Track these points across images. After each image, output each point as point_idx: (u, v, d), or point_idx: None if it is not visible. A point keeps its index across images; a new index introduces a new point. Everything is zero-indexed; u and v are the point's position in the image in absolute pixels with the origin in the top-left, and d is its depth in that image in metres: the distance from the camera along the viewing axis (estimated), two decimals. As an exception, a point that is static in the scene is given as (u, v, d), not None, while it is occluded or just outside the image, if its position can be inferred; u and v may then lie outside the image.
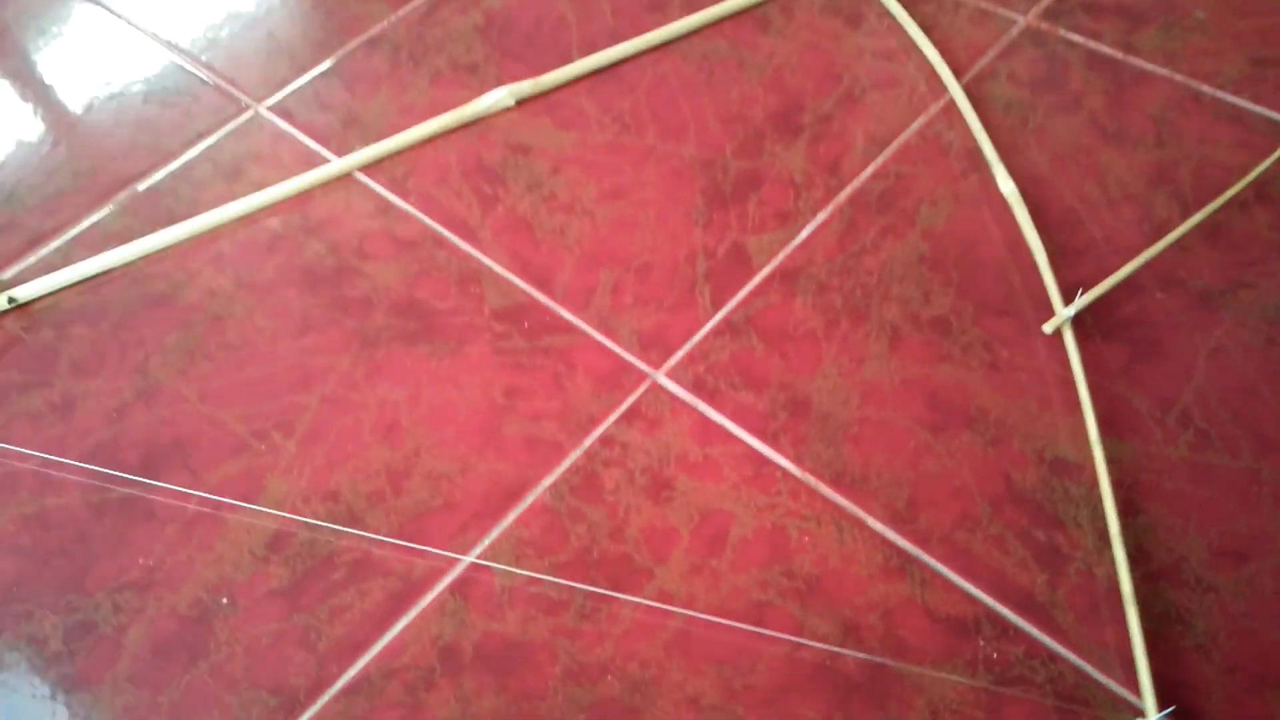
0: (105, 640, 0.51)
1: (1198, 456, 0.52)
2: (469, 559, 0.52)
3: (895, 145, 0.67)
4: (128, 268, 0.65)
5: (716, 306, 0.60)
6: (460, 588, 0.51)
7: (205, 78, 0.77)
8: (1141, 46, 0.71)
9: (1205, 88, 0.68)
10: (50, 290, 0.64)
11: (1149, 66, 0.70)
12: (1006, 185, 0.63)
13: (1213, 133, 0.65)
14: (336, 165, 0.69)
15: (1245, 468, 0.51)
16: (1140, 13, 0.74)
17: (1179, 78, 0.69)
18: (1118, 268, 0.58)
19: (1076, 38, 0.72)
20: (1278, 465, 0.51)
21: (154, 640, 0.50)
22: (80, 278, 0.64)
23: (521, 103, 0.70)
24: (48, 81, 0.78)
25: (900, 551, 0.50)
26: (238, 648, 0.50)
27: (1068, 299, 0.57)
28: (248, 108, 0.75)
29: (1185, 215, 0.61)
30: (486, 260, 0.64)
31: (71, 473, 0.56)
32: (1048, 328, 0.56)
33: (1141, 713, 0.44)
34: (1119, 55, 0.71)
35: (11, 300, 0.62)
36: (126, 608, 0.51)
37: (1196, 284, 0.58)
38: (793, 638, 0.48)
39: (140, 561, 0.53)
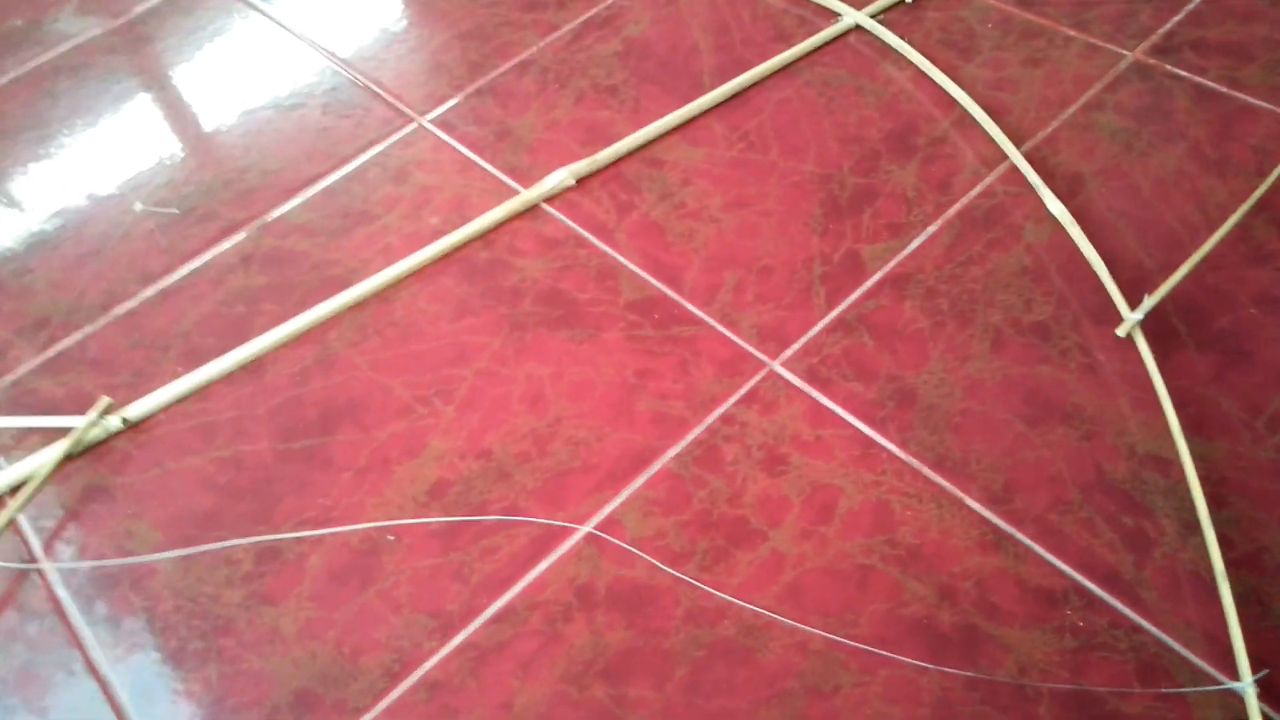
0: (290, 565, 0.59)
1: (1285, 458, 0.55)
2: (603, 514, 0.58)
3: (1003, 168, 0.72)
4: (312, 256, 0.75)
5: (831, 305, 0.66)
6: (595, 538, 0.58)
7: (377, 91, 0.87)
8: (1246, 82, 0.75)
9: (1309, 121, 0.72)
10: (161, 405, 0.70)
11: (1253, 100, 0.74)
12: (1055, 206, 0.67)
13: (1314, 163, 0.69)
14: (522, 197, 0.77)
15: (1331, 471, 0.55)
16: (1246, 50, 0.77)
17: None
18: (1212, 285, 0.62)
19: (1182, 72, 0.77)
20: (1363, 470, 0.54)
21: (331, 567, 0.58)
22: (191, 389, 0.68)
23: (581, 180, 0.76)
24: (239, 93, 0.89)
25: (995, 528, 0.55)
26: (402, 577, 0.58)
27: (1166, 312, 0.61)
28: (412, 120, 0.84)
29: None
30: (622, 259, 0.71)
31: (262, 423, 0.65)
32: (1120, 331, 0.61)
33: (1219, 683, 0.48)
34: (1223, 89, 0.75)
35: (125, 421, 0.66)
36: (308, 539, 0.60)
37: (1291, 302, 0.62)
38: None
39: (319, 501, 0.61)
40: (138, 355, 0.71)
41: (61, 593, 0.59)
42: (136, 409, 0.67)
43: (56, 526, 0.62)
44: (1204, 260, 0.64)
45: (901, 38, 0.82)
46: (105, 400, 0.67)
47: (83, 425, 0.65)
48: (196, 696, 0.54)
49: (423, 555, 0.58)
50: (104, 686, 0.55)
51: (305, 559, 0.59)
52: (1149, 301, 0.60)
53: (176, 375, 0.69)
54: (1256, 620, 0.50)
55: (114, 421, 0.66)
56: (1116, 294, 0.63)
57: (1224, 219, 0.66)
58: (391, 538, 0.59)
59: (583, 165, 0.76)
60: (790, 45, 0.84)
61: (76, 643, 0.57)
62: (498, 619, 0.55)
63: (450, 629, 0.55)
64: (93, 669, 0.56)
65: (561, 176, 0.75)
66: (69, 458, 0.65)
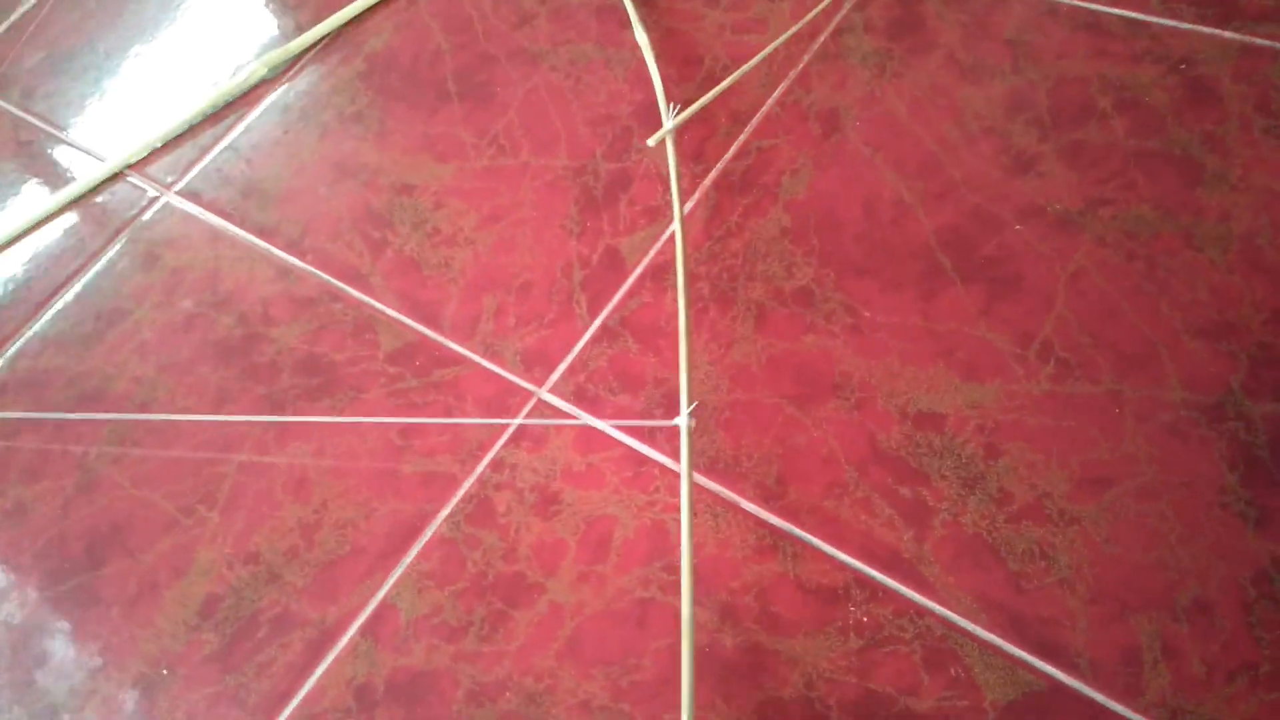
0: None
1: (1058, 388, 0.52)
2: (374, 602, 0.55)
3: (756, 120, 0.67)
4: (66, 371, 0.70)
5: (593, 314, 0.62)
6: (370, 628, 0.54)
7: (75, 146, 0.81)
8: (998, -32, 0.70)
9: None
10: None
11: (1008, -12, 0.69)
12: (641, 37, 0.63)
13: (1070, 47, 0.64)
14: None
15: (1106, 391, 0.51)
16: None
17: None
18: (973, 206, 0.58)
19: (932, -28, 0.71)
20: (1138, 383, 0.51)
21: (99, 714, 0.55)
22: None
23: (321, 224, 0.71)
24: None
25: (772, 529, 0.52)
26: (179, 714, 0.54)
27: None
28: (160, 196, 0.79)
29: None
30: (379, 305, 0.67)
31: (29, 573, 0.61)
32: (650, 141, 0.59)
33: (1007, 654, 0.45)
34: (976, -18, 0.70)
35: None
36: (81, 691, 0.56)
37: (1055, 208, 0.58)
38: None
39: (90, 647, 0.57)
40: (-102, 521, 0.66)
41: None
42: (-108, 586, 0.62)
43: None
44: (965, 182, 0.60)
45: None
46: None
47: None
48: None
49: (199, 684, 0.55)
50: None
51: (80, 716, 0.55)
52: (681, 116, 0.58)
53: (-65, 537, 0.64)
54: (1042, 577, 0.47)
55: None
56: (879, 238, 0.59)
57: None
58: (165, 671, 0.55)
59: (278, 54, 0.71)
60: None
61: None
62: (281, 739, 0.52)
63: (233, 761, 0.52)
64: None
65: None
66: None
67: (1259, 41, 0.61)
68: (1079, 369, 0.52)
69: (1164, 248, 0.55)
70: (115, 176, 0.80)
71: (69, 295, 0.74)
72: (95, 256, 0.76)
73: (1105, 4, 0.65)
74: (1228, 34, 0.62)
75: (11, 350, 0.72)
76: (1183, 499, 0.48)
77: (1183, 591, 0.45)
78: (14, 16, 0.96)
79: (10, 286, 0.76)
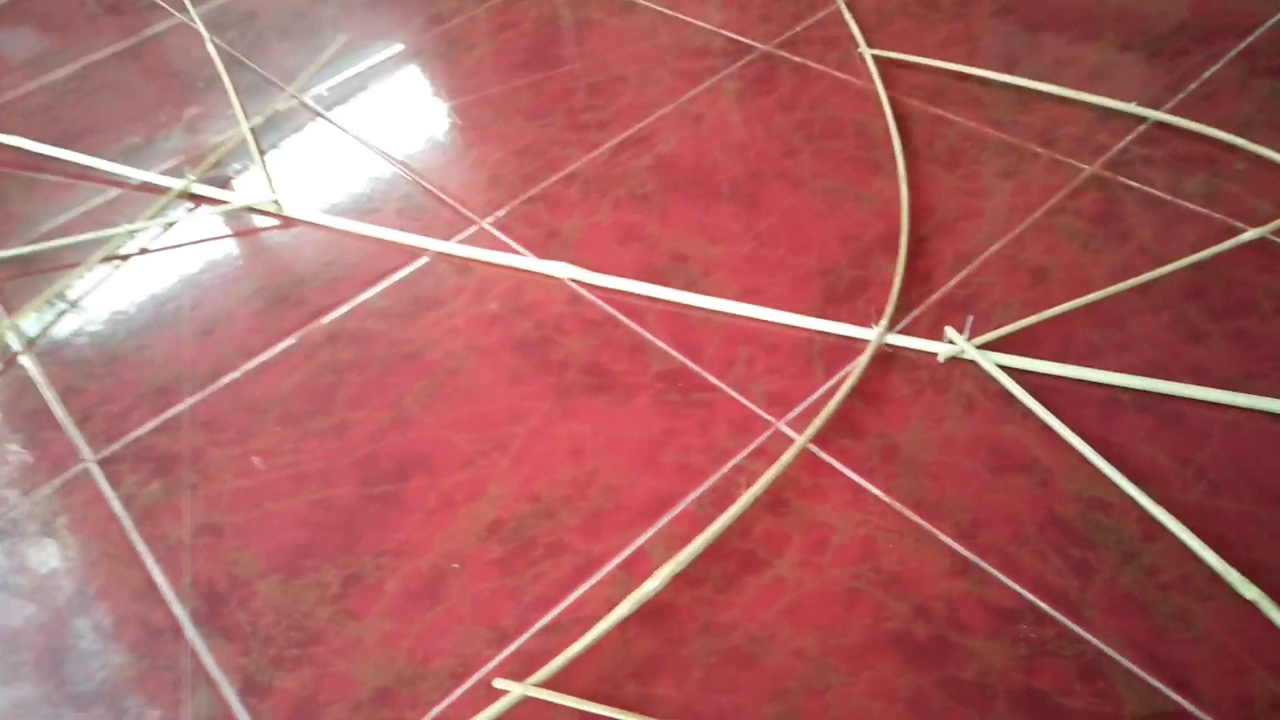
0: (370, 588, 0.70)
1: (1206, 502, 0.66)
2: (634, 546, 0.69)
3: (978, 261, 0.85)
4: (390, 336, 0.88)
5: (828, 376, 0.78)
6: (628, 565, 0.69)
7: (443, 198, 1.02)
8: (1187, 191, 0.87)
9: (1241, 225, 0.84)
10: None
11: (1192, 206, 0.86)
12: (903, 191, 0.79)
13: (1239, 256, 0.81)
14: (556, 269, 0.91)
15: (1245, 511, 0.65)
16: (1190, 161, 0.90)
17: (1218, 215, 0.85)
18: (1151, 359, 0.73)
19: (1133, 183, 0.89)
20: None
21: (405, 589, 0.70)
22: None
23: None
24: (323, 198, 1.05)
25: (963, 559, 0.65)
26: (465, 597, 0.69)
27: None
28: (474, 223, 0.99)
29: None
30: (651, 337, 0.84)
31: (347, 473, 0.78)
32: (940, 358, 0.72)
33: (1149, 683, 0.57)
34: (1168, 198, 0.87)
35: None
36: (386, 567, 0.71)
37: (1216, 375, 0.73)
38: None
39: (395, 536, 0.73)
40: (241, 417, 0.84)
41: (178, 610, 0.71)
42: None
43: (178, 559, 0.74)
44: (1148, 342, 0.76)
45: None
46: (218, 451, 0.79)
47: (200, 471, 0.77)
48: (292, 693, 0.65)
49: (483, 579, 0.69)
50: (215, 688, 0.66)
51: (383, 583, 0.70)
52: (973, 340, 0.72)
53: (276, 435, 0.82)
54: (1179, 633, 0.60)
55: (225, 469, 0.78)
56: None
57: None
58: (456, 565, 0.71)
59: (579, 273, 0.90)
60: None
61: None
62: (545, 631, 0.66)
63: (505, 640, 0.66)
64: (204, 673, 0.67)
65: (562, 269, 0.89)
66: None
67: (1398, 286, 0.77)
68: (1225, 491, 0.66)
69: (1304, 419, 0.69)
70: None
71: (393, 279, 0.94)
72: (416, 256, 0.96)
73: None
74: (1373, 275, 0.78)
75: (343, 308, 0.91)
76: (1301, 602, 0.60)
77: (1294, 668, 0.58)
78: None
79: (342, 265, 0.96)
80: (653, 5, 1.27)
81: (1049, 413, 0.72)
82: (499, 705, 0.61)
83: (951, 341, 0.77)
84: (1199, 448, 0.69)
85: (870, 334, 0.80)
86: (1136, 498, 0.66)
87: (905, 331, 0.80)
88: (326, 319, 0.91)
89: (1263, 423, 0.70)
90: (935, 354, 0.78)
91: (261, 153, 1.14)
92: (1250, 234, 0.82)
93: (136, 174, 1.13)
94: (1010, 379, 0.74)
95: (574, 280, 0.90)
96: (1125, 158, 0.92)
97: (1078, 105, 0.99)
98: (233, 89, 1.25)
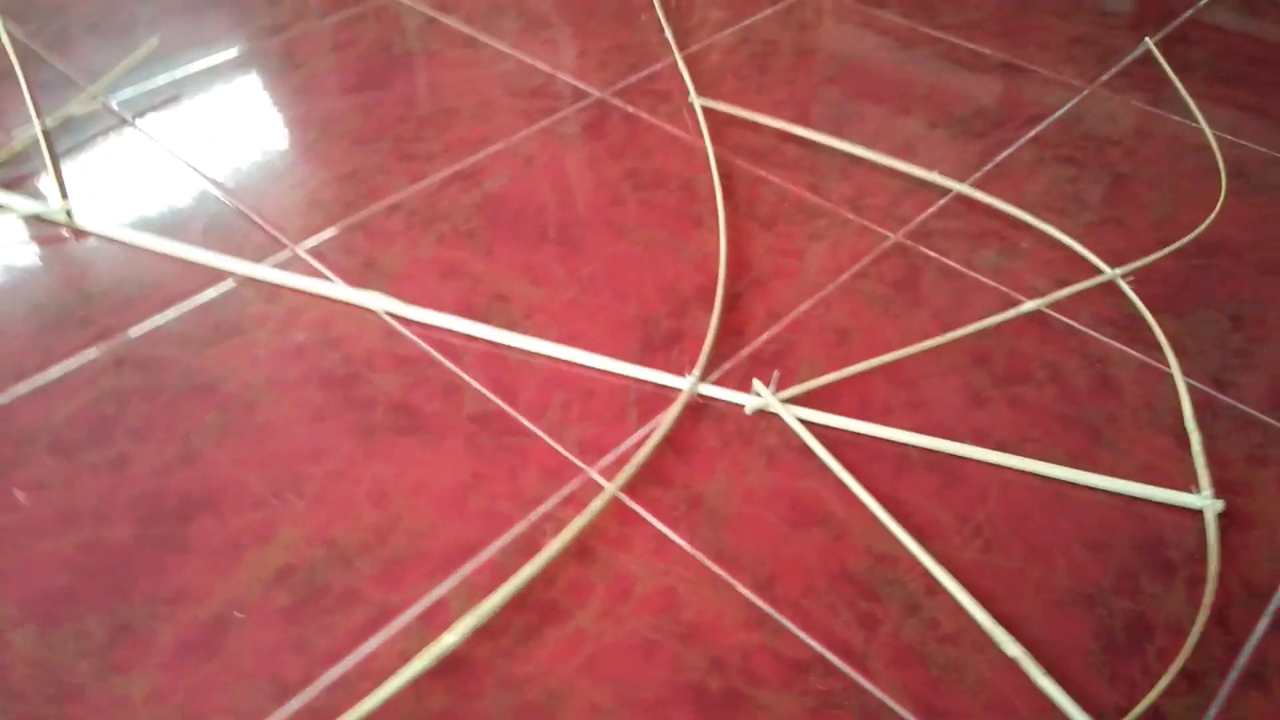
0: (142, 639, 0.65)
1: (982, 558, 0.70)
2: (433, 596, 0.67)
3: (787, 319, 0.88)
4: (183, 364, 0.83)
5: (640, 424, 0.79)
6: (427, 616, 0.66)
7: (256, 220, 0.97)
8: (978, 264, 0.94)
9: (1021, 297, 0.91)
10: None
11: (982, 278, 0.93)
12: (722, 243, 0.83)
13: (1024, 328, 0.87)
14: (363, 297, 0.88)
15: (1015, 568, 0.69)
16: (982, 236, 0.97)
17: (1003, 288, 0.92)
18: (939, 424, 0.78)
19: (931, 253, 0.96)
20: (1040, 566, 0.69)
21: (181, 640, 0.65)
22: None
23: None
24: (122, 209, 0.98)
25: (760, 610, 0.67)
26: (247, 648, 0.64)
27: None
28: (287, 248, 0.95)
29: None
30: (467, 377, 0.82)
31: (124, 511, 0.72)
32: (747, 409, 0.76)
33: (921, 732, 0.60)
34: (961, 269, 0.94)
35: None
36: (161, 615, 0.66)
37: (994, 438, 0.78)
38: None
39: (173, 582, 0.68)
40: (6, 447, 0.76)
41: (-89, 662, 0.63)
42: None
43: (-89, 600, 0.66)
44: (937, 405, 0.81)
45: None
46: (-28, 484, 0.72)
47: (-52, 506, 0.69)
48: (40, 756, 0.59)
49: (267, 629, 0.65)
50: (-52, 747, 0.59)
51: (156, 633, 0.65)
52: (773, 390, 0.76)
53: (45, 466, 0.75)
54: (954, 684, 0.63)
55: None
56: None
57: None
58: (239, 614, 0.66)
59: (395, 305, 0.88)
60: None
61: (-77, 707, 0.61)
62: (331, 687, 0.63)
63: (287, 694, 0.62)
64: (-62, 731, 0.60)
65: (375, 302, 0.86)
66: (-71, 537, 0.69)
67: (1154, 363, 0.85)
68: (998, 548, 0.71)
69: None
70: (255, 224, 0.96)
71: (193, 303, 0.88)
72: (221, 278, 0.91)
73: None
74: (1133, 351, 0.86)
75: (133, 331, 0.85)
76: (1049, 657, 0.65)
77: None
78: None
79: (135, 285, 0.90)
80: (493, 42, 1.27)
81: (843, 468, 0.75)
82: (274, 767, 0.58)
83: (758, 394, 0.80)
84: (978, 506, 0.74)
85: (684, 383, 0.81)
86: (918, 555, 0.69)
87: (717, 383, 0.82)
88: (113, 341, 0.85)
89: (1033, 483, 0.75)
90: (743, 406, 0.80)
91: (55, 157, 1.06)
92: (1028, 305, 0.89)
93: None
94: (810, 433, 0.77)
95: (389, 313, 0.88)
96: (926, 228, 0.99)
97: (887, 175, 1.05)
98: (26, 85, 1.16)
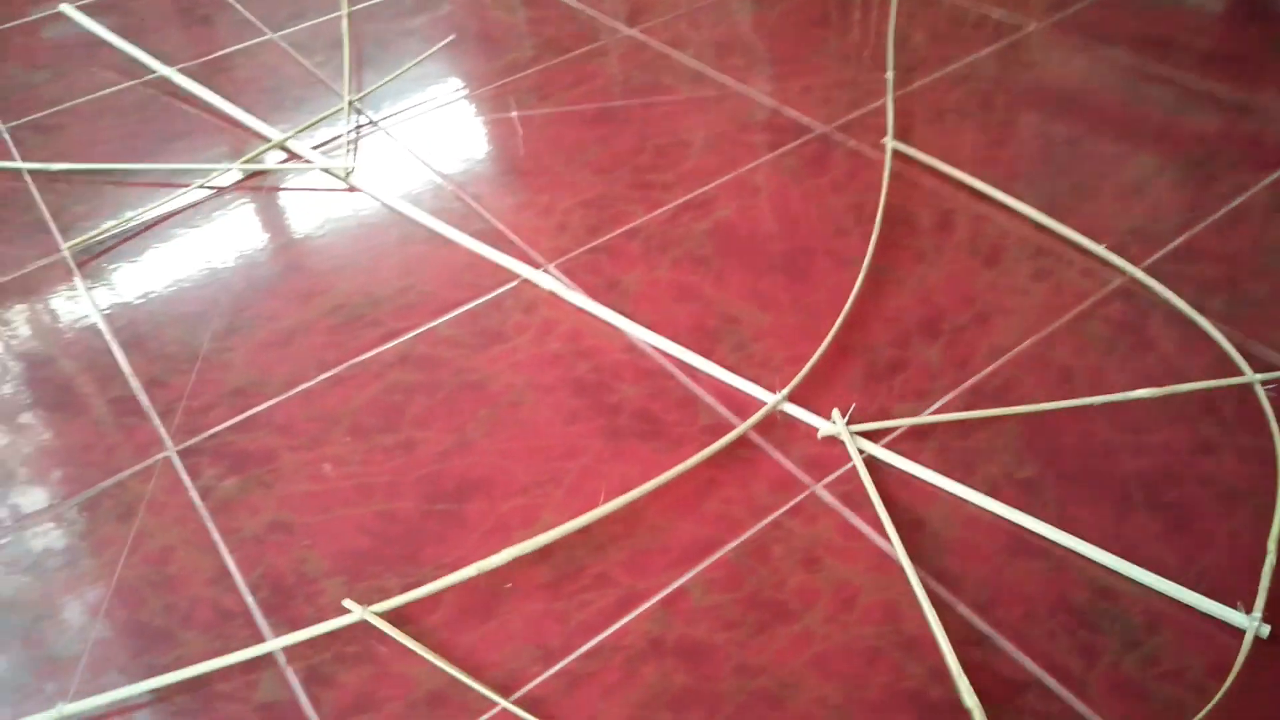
0: (429, 598, 0.76)
1: (1207, 601, 0.71)
2: (675, 584, 0.75)
3: (1010, 355, 0.91)
4: (457, 364, 0.95)
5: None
6: (668, 602, 0.74)
7: (514, 240, 1.09)
8: (1210, 308, 0.94)
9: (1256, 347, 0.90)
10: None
11: (1211, 328, 0.93)
12: None
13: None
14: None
15: (1242, 614, 0.71)
16: (1211, 284, 0.97)
17: (1236, 336, 0.92)
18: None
19: (1164, 292, 0.96)
20: (1267, 616, 0.70)
21: (461, 603, 0.76)
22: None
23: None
24: (408, 228, 1.12)
25: (978, 630, 0.71)
26: (514, 615, 0.74)
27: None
28: (540, 265, 1.06)
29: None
30: (701, 392, 0.90)
31: (411, 488, 0.84)
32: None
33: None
34: (1190, 313, 0.94)
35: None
36: (444, 578, 0.77)
37: (1225, 484, 0.79)
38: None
39: (454, 552, 0.79)
40: (314, 426, 0.90)
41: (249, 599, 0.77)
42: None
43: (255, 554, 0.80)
44: (1162, 449, 0.82)
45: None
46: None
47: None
48: (351, 687, 0.71)
49: (532, 600, 0.75)
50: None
51: (441, 596, 0.76)
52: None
53: (344, 444, 0.88)
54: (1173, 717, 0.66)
55: (299, 472, 0.84)
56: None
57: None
58: (509, 585, 0.76)
59: (639, 332, 0.96)
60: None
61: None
62: (587, 655, 0.72)
63: (550, 659, 0.72)
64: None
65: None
66: (261, 497, 0.83)
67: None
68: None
69: None
70: (514, 243, 1.08)
71: (463, 309, 1.00)
72: (486, 290, 1.03)
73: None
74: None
75: (414, 332, 0.98)
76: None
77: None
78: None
79: (417, 293, 1.03)
80: (720, 77, 1.35)
81: (885, 507, 0.78)
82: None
83: (833, 422, 0.84)
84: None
85: (837, 427, 0.86)
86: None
87: (936, 411, 0.87)
88: (397, 340, 0.98)
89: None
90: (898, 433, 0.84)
91: (358, 130, 1.23)
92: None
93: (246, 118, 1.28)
94: (876, 467, 0.80)
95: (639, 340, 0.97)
96: (1162, 269, 0.99)
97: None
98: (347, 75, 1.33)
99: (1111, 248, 1.02)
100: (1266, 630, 0.69)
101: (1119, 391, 0.87)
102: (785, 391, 0.88)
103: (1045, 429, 0.85)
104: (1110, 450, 0.83)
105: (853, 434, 0.84)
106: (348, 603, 0.75)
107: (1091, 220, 1.06)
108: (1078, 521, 0.77)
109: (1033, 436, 0.84)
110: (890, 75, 1.31)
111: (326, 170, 1.23)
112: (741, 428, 0.86)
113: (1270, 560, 0.73)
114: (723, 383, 0.91)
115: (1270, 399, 0.85)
